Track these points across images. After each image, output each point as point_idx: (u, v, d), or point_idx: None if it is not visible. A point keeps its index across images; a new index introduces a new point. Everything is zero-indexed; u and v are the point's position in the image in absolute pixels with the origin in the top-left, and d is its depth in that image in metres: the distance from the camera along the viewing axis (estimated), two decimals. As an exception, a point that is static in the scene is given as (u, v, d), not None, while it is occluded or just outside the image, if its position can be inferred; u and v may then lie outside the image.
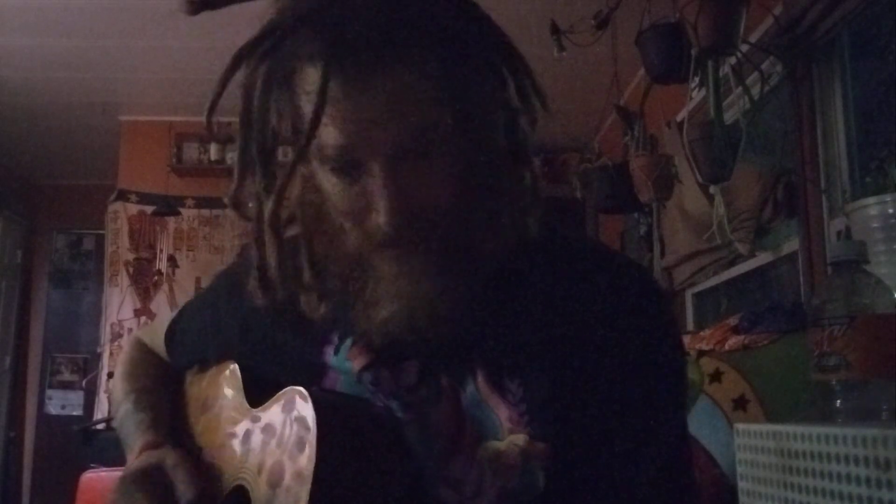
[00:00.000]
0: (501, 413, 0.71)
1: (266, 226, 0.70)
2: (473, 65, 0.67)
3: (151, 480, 0.78)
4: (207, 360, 0.91)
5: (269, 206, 0.69)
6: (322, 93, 0.62)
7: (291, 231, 0.74)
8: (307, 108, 0.64)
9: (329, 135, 0.64)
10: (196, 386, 0.93)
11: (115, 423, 0.95)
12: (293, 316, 0.75)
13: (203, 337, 0.91)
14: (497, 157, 0.70)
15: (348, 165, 0.66)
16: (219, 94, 0.67)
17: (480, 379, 0.72)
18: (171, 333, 0.96)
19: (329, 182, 0.69)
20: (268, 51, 0.65)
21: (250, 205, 0.71)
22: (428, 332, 0.69)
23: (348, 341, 0.77)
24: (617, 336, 0.71)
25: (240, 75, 0.67)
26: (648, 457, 0.71)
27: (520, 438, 0.70)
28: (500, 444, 0.70)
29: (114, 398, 0.98)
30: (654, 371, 0.72)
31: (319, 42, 0.63)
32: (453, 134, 0.66)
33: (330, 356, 0.78)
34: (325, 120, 0.63)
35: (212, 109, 0.68)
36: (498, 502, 0.69)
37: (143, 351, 1.00)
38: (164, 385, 0.96)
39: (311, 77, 0.64)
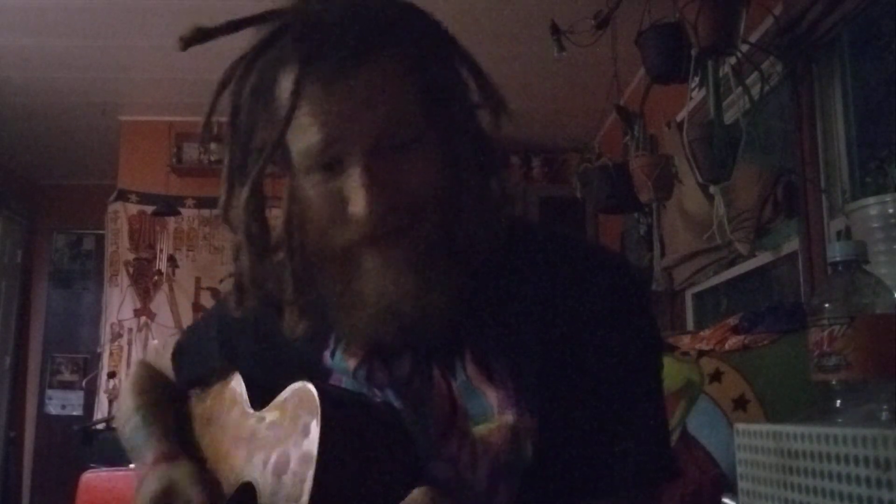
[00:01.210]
0: (490, 394, 0.75)
1: (242, 236, 0.74)
2: (436, 65, 0.73)
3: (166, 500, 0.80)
4: (212, 374, 0.93)
5: (243, 215, 0.74)
6: (296, 91, 0.67)
7: (279, 255, 0.78)
8: (284, 113, 0.69)
9: (309, 134, 0.69)
10: (200, 404, 0.94)
11: (122, 438, 0.96)
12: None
13: (208, 351, 0.93)
14: (468, 153, 0.74)
15: (329, 163, 0.70)
16: (212, 108, 0.73)
17: (469, 364, 0.75)
18: (178, 352, 0.98)
19: (312, 186, 0.73)
20: (250, 65, 0.71)
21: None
22: (415, 328, 0.72)
23: (343, 343, 0.79)
24: (594, 315, 0.75)
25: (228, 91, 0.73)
26: (629, 426, 0.75)
27: (507, 416, 0.74)
28: (490, 424, 0.74)
29: (120, 414, 0.99)
30: (630, 344, 0.76)
31: (295, 49, 0.68)
32: (427, 129, 0.71)
33: (328, 359, 0.80)
34: (305, 120, 0.68)
35: (207, 124, 0.74)
36: (490, 475, 0.73)
37: (148, 370, 1.03)
38: (170, 402, 0.97)
39: (289, 84, 0.69)
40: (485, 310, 0.76)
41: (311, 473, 0.66)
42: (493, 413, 0.74)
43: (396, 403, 0.76)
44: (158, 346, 1.11)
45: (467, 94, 0.75)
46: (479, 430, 0.74)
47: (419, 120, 0.70)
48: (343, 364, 0.79)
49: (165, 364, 1.00)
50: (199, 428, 0.92)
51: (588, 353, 0.74)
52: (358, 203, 0.69)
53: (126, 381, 1.03)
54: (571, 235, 0.84)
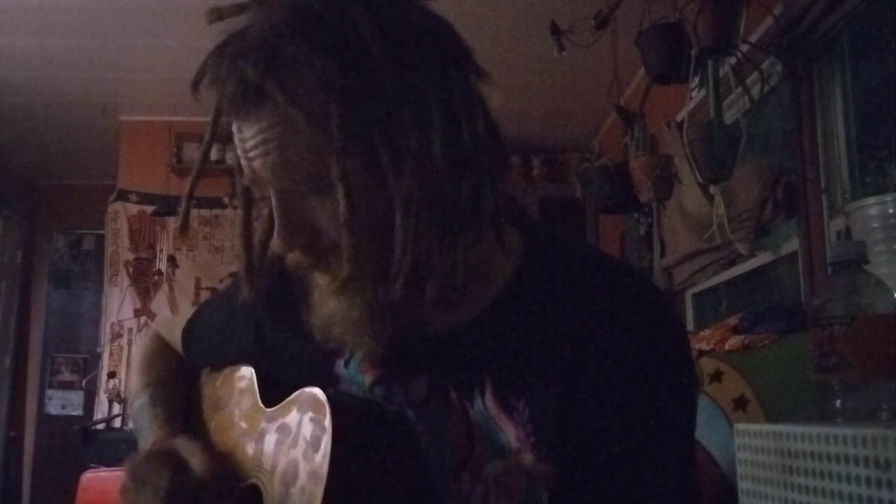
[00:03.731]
0: (509, 431, 0.71)
1: (240, 230, 0.77)
2: (371, 94, 0.65)
3: (163, 460, 0.80)
4: (222, 362, 0.93)
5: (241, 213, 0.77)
6: (213, 125, 0.70)
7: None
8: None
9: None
10: (210, 385, 0.93)
11: (131, 414, 0.97)
12: (304, 325, 0.77)
13: (218, 339, 0.93)
14: (431, 176, 0.66)
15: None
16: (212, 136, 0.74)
17: (488, 396, 0.72)
18: (188, 333, 0.98)
19: None
20: (201, 70, 0.71)
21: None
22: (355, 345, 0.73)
23: (359, 354, 0.77)
24: (623, 358, 0.70)
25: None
26: (654, 479, 0.70)
27: (526, 458, 0.70)
28: (507, 463, 0.70)
29: (130, 389, 1.00)
30: (661, 395, 0.71)
31: (212, 74, 0.68)
32: (345, 171, 0.65)
33: (341, 367, 0.79)
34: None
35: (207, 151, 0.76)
36: None
37: (160, 344, 1.02)
38: (180, 378, 0.97)
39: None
40: (507, 342, 0.72)
41: (320, 492, 0.66)
42: (509, 451, 0.70)
43: (414, 422, 0.74)
44: (169, 317, 1.12)
45: (444, 108, 0.67)
46: (494, 468, 0.71)
47: (331, 165, 0.65)
48: (358, 377, 0.78)
49: (176, 339, 0.99)
50: (207, 411, 0.92)
51: (615, 403, 0.69)
52: (276, 236, 0.70)
53: (137, 354, 1.03)
54: (606, 262, 0.78)
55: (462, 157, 0.67)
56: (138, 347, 1.06)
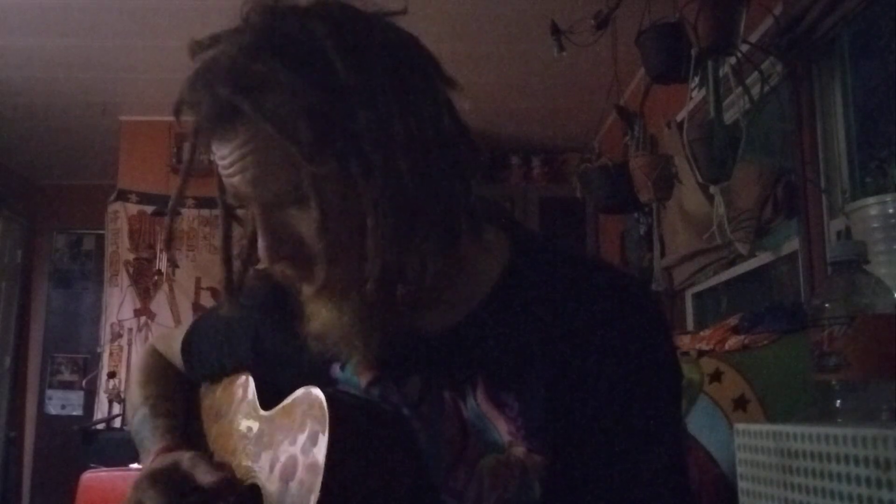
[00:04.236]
0: (501, 426, 0.73)
1: (220, 247, 0.79)
2: (334, 109, 0.67)
3: (165, 480, 0.80)
4: (222, 373, 0.94)
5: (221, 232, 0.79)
6: (192, 148, 0.74)
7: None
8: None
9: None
10: (209, 396, 0.94)
11: (130, 428, 0.97)
12: (300, 332, 0.77)
13: (217, 350, 0.94)
14: (399, 180, 0.68)
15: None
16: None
17: (480, 393, 0.74)
18: (187, 346, 0.99)
19: None
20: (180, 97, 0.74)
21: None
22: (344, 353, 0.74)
23: (354, 358, 0.78)
24: (610, 352, 0.72)
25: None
26: (644, 469, 0.72)
27: (518, 451, 0.72)
28: (500, 456, 0.72)
29: (130, 403, 1.00)
30: (648, 387, 0.73)
31: (194, 102, 0.70)
32: (319, 181, 0.67)
33: (337, 372, 0.80)
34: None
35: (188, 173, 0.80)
36: None
37: (158, 359, 1.03)
38: (179, 393, 0.98)
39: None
40: (499, 341, 0.74)
41: (318, 484, 0.66)
42: (502, 445, 0.73)
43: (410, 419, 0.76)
44: (166, 332, 1.12)
45: (395, 117, 0.68)
46: (488, 462, 0.73)
47: (304, 177, 0.67)
48: (354, 379, 0.79)
49: (174, 353, 1.00)
50: (207, 421, 0.92)
51: (602, 393, 0.72)
52: (259, 249, 0.71)
53: (135, 369, 1.04)
54: (595, 262, 0.82)
55: (429, 160, 0.69)
56: (136, 363, 1.06)
